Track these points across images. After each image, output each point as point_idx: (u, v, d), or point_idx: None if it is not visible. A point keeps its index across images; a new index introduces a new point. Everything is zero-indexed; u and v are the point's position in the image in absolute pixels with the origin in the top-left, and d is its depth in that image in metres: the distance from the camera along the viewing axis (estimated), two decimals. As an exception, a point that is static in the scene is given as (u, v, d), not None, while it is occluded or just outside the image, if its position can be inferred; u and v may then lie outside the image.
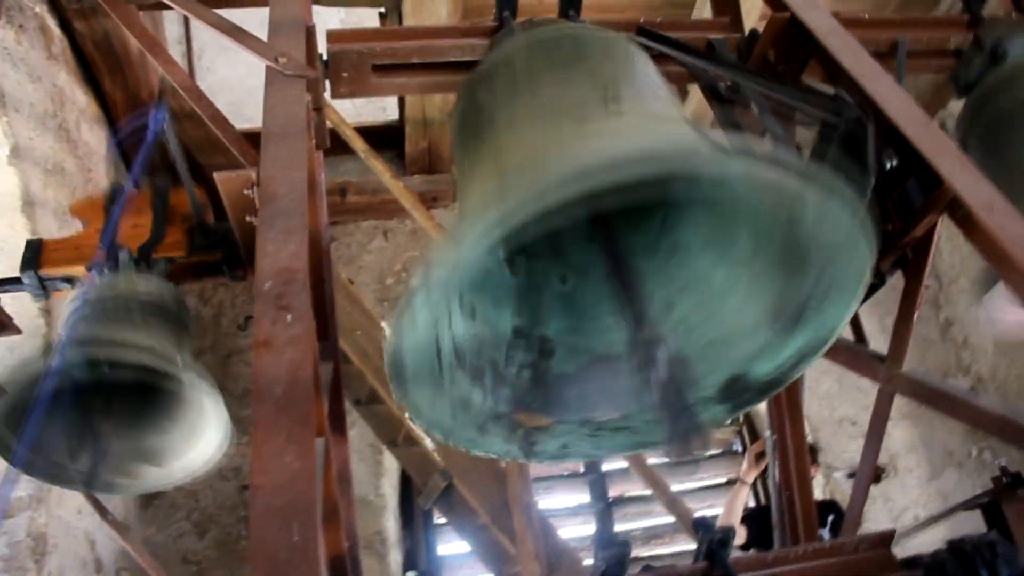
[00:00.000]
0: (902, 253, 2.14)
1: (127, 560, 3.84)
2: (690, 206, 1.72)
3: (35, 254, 2.17)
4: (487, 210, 1.29)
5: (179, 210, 2.15)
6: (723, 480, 5.92)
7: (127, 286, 2.08)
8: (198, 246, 2.09)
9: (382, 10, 4.43)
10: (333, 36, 2.15)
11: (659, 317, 1.71)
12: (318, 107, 2.14)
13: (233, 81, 5.48)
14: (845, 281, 1.49)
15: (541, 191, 1.21)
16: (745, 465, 4.46)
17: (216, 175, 1.54)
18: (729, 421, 5.70)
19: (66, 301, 2.18)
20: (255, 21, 2.11)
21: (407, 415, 1.64)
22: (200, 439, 2.27)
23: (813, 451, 5.51)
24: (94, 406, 2.11)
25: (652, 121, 1.62)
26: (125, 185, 2.17)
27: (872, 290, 2.12)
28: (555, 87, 1.70)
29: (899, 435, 5.42)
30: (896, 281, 2.15)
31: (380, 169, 4.13)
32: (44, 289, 2.19)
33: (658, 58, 2.18)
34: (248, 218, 1.56)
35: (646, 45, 2.19)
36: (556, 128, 1.56)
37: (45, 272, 2.17)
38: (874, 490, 5.17)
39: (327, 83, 2.17)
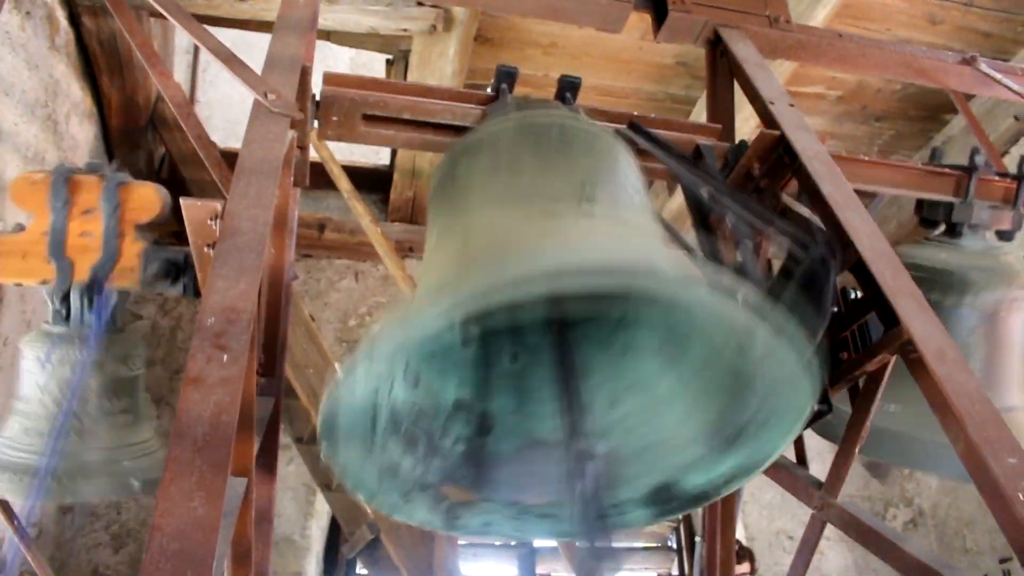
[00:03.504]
0: (854, 383, 2.15)
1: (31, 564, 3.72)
2: (646, 314, 1.73)
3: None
4: (443, 294, 1.32)
5: (134, 218, 1.96)
6: (653, 575, 5.86)
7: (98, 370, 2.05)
8: (151, 279, 1.96)
9: (390, 57, 4.48)
10: (329, 79, 2.15)
11: (602, 412, 1.72)
12: (302, 145, 2.14)
13: (234, 98, 5.51)
14: (784, 414, 1.51)
15: (497, 288, 1.23)
16: None
17: (182, 201, 1.52)
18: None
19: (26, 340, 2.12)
20: (265, 42, 2.11)
21: (335, 473, 1.61)
22: None
23: (751, 556, 5.48)
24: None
25: (621, 228, 1.63)
26: (70, 167, 1.96)
27: (819, 416, 2.12)
28: (534, 175, 1.71)
29: (834, 557, 5.40)
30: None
31: (360, 211, 4.13)
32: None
33: (644, 154, 2.21)
34: (206, 249, 1.54)
35: (634, 139, 2.22)
36: (526, 220, 1.56)
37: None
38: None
39: (316, 123, 2.17)
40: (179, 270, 1.87)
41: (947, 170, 2.76)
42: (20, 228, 1.95)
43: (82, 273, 1.91)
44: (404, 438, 1.64)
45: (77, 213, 1.89)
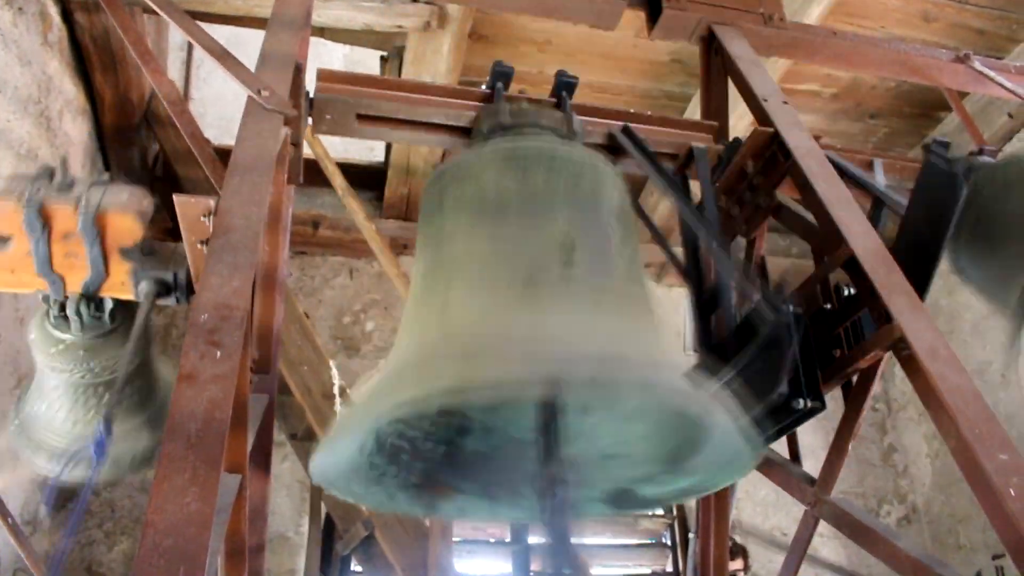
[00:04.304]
0: (846, 380, 2.16)
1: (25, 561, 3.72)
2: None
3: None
4: (412, 382, 1.45)
5: (116, 241, 1.88)
6: (647, 571, 5.86)
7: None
8: (144, 295, 1.93)
9: (384, 54, 4.48)
10: (323, 75, 2.15)
11: (575, 417, 1.77)
12: (296, 142, 2.14)
13: (227, 96, 5.48)
14: (730, 470, 1.66)
15: (467, 389, 1.42)
16: None
17: (175, 197, 1.53)
18: (662, 512, 5.65)
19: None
20: (259, 38, 2.11)
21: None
22: None
23: (744, 553, 5.49)
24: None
25: (600, 297, 1.67)
26: (39, 196, 1.93)
27: (812, 413, 2.13)
28: (518, 226, 1.74)
29: (827, 554, 5.41)
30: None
31: (355, 208, 4.12)
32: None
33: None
34: (199, 246, 1.54)
35: (625, 147, 2.25)
36: (506, 290, 1.62)
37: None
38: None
39: (310, 119, 2.17)
40: (169, 288, 1.86)
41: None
42: (2, 241, 1.91)
43: (74, 286, 1.88)
44: (388, 454, 1.73)
45: (58, 237, 1.83)
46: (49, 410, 2.18)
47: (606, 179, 1.91)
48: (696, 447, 1.65)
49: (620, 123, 2.33)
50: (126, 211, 1.82)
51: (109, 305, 1.99)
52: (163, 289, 1.87)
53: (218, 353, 1.25)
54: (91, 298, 1.95)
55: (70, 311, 1.95)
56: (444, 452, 1.82)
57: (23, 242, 1.84)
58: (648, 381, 1.45)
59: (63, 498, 3.95)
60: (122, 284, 1.89)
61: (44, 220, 1.81)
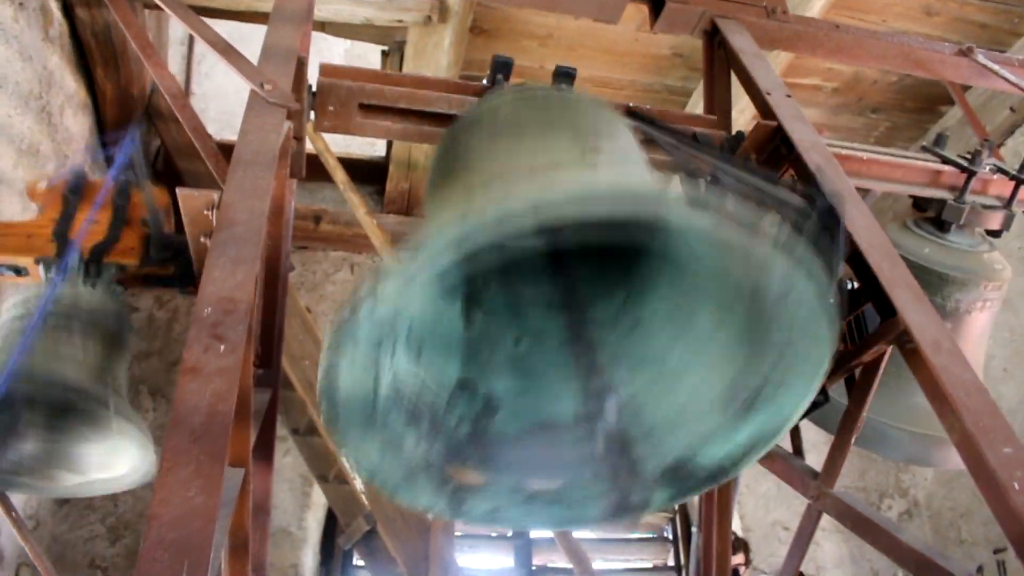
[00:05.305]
0: (850, 374, 2.16)
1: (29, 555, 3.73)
2: (654, 283, 1.72)
3: (-17, 237, 2.13)
4: (448, 224, 1.23)
5: (140, 213, 2.06)
6: (649, 565, 5.87)
7: (70, 300, 2.07)
8: (152, 258, 2.02)
9: (385, 48, 4.47)
10: (326, 70, 2.15)
11: (619, 343, 1.71)
12: (298, 136, 2.14)
13: (229, 90, 5.47)
14: (803, 367, 1.47)
15: (506, 208, 1.18)
16: None
17: (178, 191, 1.52)
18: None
19: (8, 302, 2.15)
20: (260, 33, 2.10)
21: (335, 441, 1.58)
22: (122, 456, 2.23)
23: (746, 547, 5.49)
24: (18, 407, 2.07)
25: (627, 175, 1.62)
26: (86, 173, 2.09)
27: (816, 407, 2.13)
28: (536, 133, 1.70)
29: (829, 548, 5.42)
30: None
31: (356, 203, 4.12)
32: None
33: (641, 143, 2.21)
34: (203, 239, 1.54)
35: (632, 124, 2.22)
36: (531, 172, 1.54)
37: (-7, 256, 2.13)
38: (796, 599, 5.15)
39: (312, 114, 2.17)
40: (176, 252, 1.90)
41: (946, 168, 2.75)
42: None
43: (83, 251, 1.96)
44: (406, 412, 1.59)
45: (87, 207, 1.99)
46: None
47: (618, 116, 1.90)
48: (758, 361, 1.50)
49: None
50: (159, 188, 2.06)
51: (111, 271, 2.05)
52: (170, 254, 1.95)
53: (222, 347, 1.25)
54: (95, 259, 2.03)
55: (70, 266, 2.01)
56: (469, 433, 1.69)
57: (52, 210, 2.05)
58: (699, 210, 1.27)
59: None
60: (132, 248, 2.07)
61: (83, 192, 2.06)
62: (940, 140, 2.78)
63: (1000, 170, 2.83)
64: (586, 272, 1.85)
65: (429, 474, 1.65)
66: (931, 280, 2.59)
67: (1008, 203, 2.80)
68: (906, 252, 2.63)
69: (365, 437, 1.54)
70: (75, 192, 2.03)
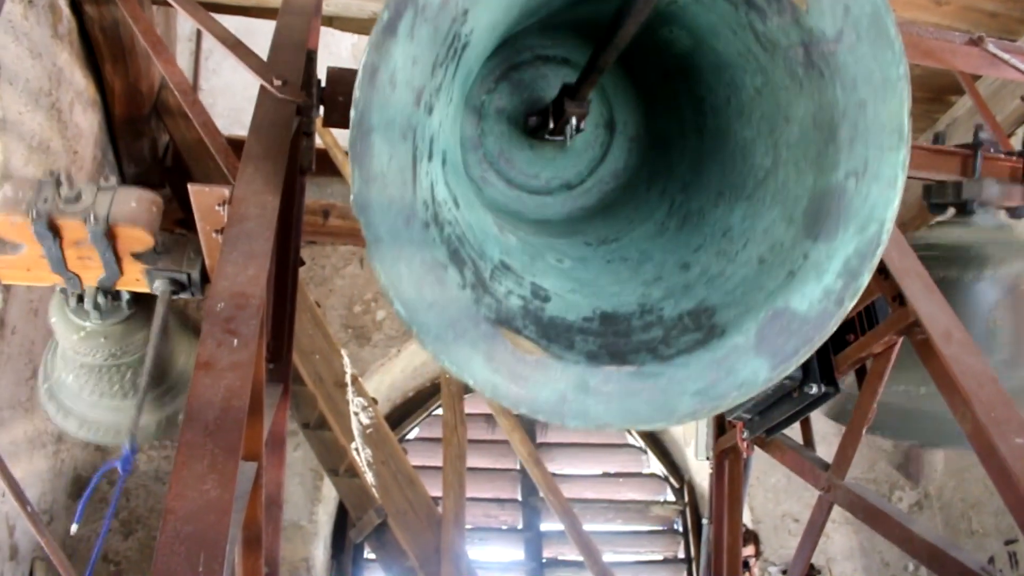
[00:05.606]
0: (861, 365, 2.16)
1: (44, 549, 3.75)
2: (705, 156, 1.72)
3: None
4: None
5: (128, 248, 1.94)
6: (659, 558, 5.87)
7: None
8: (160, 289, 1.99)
9: (393, 42, 4.46)
10: (333, 73, 2.15)
11: (673, 278, 1.65)
12: (308, 131, 2.14)
13: (236, 87, 5.49)
14: (882, 138, 1.40)
15: None
16: None
17: (190, 186, 1.53)
18: (674, 498, 5.64)
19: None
20: (269, 28, 2.11)
21: (368, 256, 1.35)
22: None
23: (756, 539, 5.49)
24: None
25: None
26: (47, 208, 1.88)
27: (826, 398, 2.13)
28: None
29: (839, 539, 5.41)
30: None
31: (365, 197, 4.12)
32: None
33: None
34: (214, 234, 1.54)
35: None
36: None
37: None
38: (806, 591, 5.15)
39: (321, 108, 2.17)
40: (183, 286, 1.89)
41: (953, 148, 2.74)
42: (15, 247, 1.94)
43: (90, 282, 1.95)
44: (446, 243, 1.41)
45: (69, 244, 1.89)
46: (76, 382, 2.27)
47: None
48: (832, 153, 1.42)
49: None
50: (135, 223, 1.85)
51: (126, 296, 2.01)
52: (178, 287, 1.89)
53: (235, 341, 1.26)
54: (107, 291, 1.99)
55: (88, 303, 1.98)
56: (521, 307, 1.53)
57: (36, 247, 1.88)
58: None
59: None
60: (137, 280, 1.93)
61: (54, 231, 1.85)
62: (939, 140, 2.86)
63: (1006, 152, 2.81)
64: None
65: (479, 333, 1.43)
66: (971, 257, 2.58)
67: (1023, 179, 2.78)
68: (938, 240, 2.62)
69: (401, 256, 1.36)
70: (46, 237, 1.90)
